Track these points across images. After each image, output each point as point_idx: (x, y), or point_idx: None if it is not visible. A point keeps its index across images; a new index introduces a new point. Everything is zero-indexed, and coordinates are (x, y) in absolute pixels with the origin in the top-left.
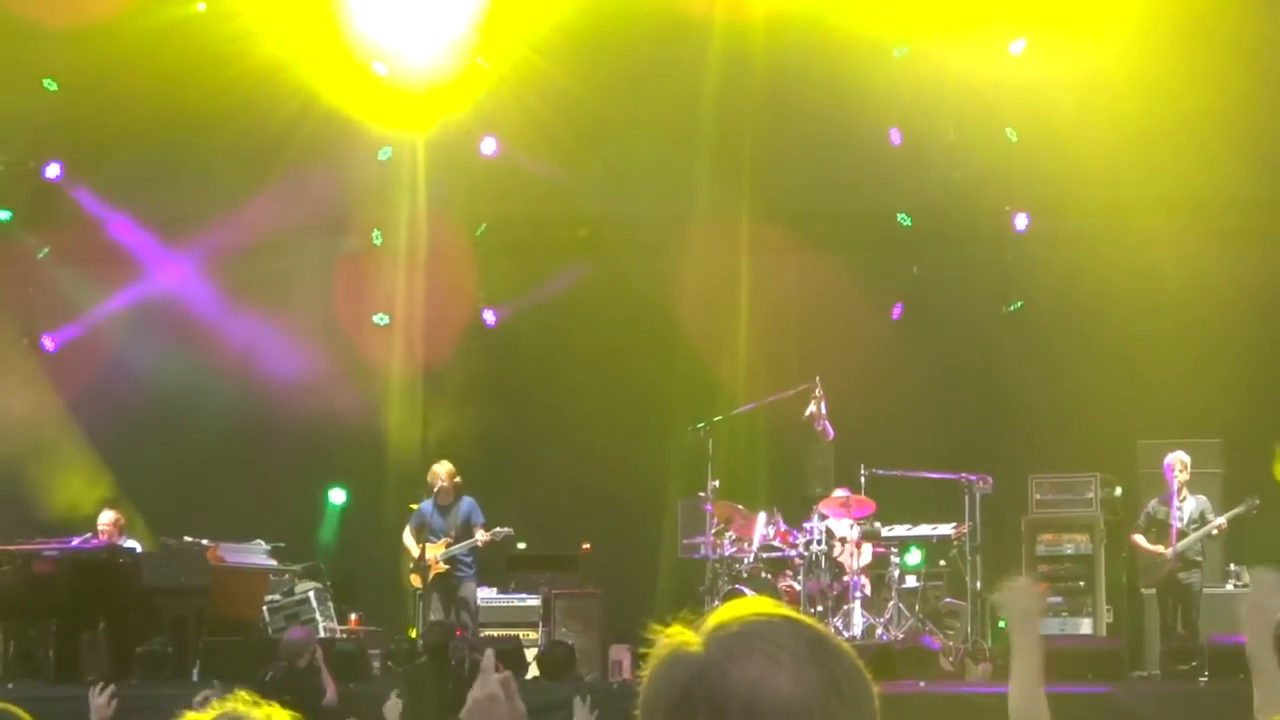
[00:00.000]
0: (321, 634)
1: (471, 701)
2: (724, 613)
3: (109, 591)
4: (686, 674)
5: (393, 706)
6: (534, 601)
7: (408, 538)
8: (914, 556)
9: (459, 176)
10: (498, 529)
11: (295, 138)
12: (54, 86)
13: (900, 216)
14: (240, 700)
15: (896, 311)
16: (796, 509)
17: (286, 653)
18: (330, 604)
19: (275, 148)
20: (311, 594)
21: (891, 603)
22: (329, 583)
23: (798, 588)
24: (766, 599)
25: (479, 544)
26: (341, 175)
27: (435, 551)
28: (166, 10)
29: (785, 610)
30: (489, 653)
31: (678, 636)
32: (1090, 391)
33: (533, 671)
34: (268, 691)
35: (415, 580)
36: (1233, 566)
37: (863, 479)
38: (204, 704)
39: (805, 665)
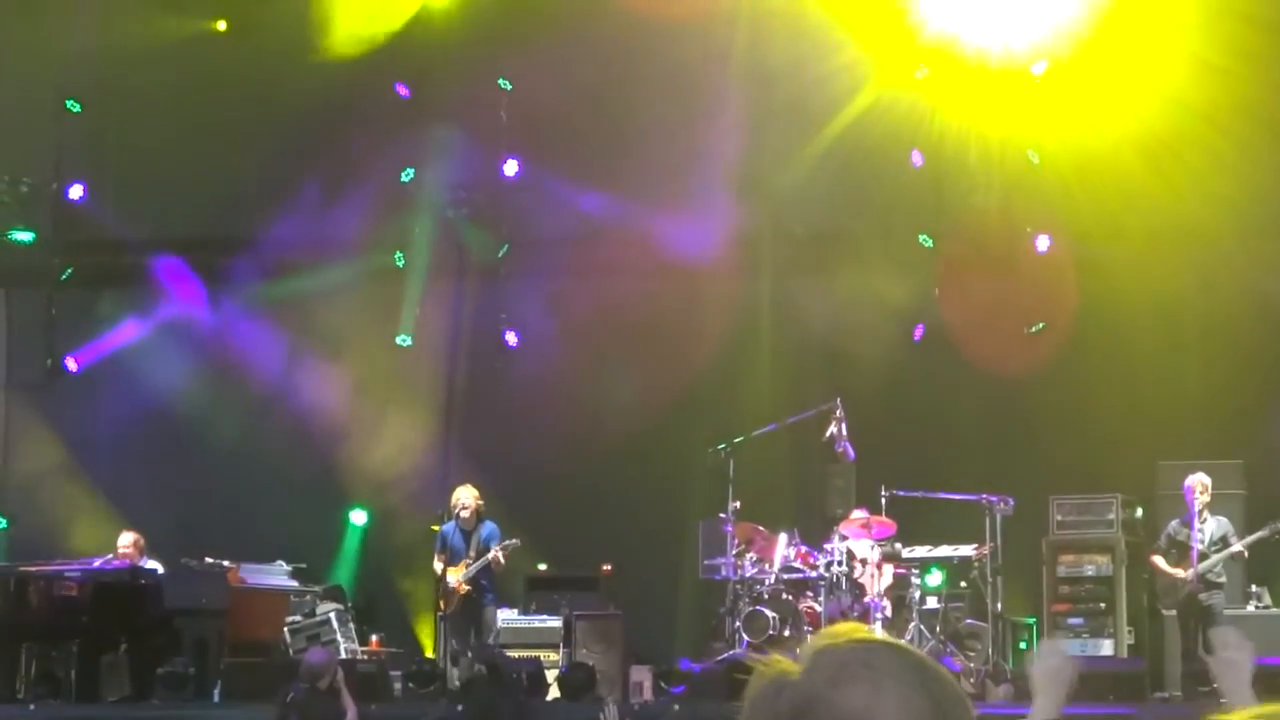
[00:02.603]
0: (343, 655)
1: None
2: (823, 639)
3: (130, 613)
4: (792, 704)
5: None
6: (555, 623)
7: (437, 563)
8: (935, 578)
9: (484, 197)
10: (505, 542)
11: (319, 159)
12: (77, 108)
13: (922, 238)
14: None
15: (918, 333)
16: (817, 530)
17: (307, 674)
18: (351, 625)
19: (298, 170)
20: (333, 615)
21: (912, 624)
22: (350, 604)
23: (818, 609)
24: (861, 625)
25: (491, 563)
26: (365, 197)
27: (457, 575)
28: (189, 31)
29: (884, 636)
30: None
31: (777, 665)
32: (1111, 413)
33: (554, 693)
34: (288, 712)
35: (441, 603)
36: (1254, 588)
37: (883, 500)
38: None
39: (911, 692)
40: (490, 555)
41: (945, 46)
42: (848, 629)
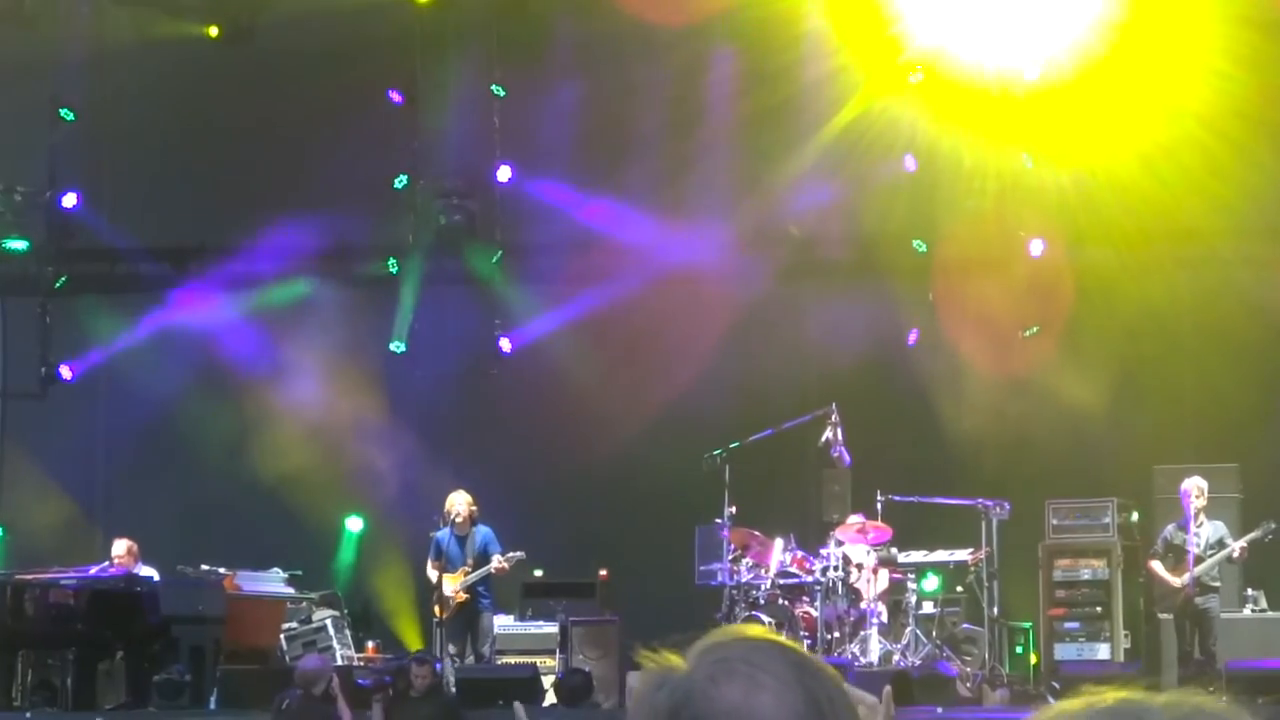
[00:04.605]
0: (338, 661)
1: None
2: (711, 638)
3: (127, 620)
4: (672, 698)
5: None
6: (551, 629)
7: (431, 570)
8: (931, 582)
9: (477, 203)
10: (511, 553)
11: (312, 165)
12: (71, 116)
13: (915, 242)
14: None
15: (912, 338)
16: (813, 535)
17: (302, 681)
18: (347, 632)
19: (292, 176)
20: (329, 622)
21: (909, 629)
22: (346, 610)
23: (814, 614)
24: (754, 625)
25: (494, 570)
26: (358, 203)
27: (455, 582)
28: (182, 38)
29: (768, 634)
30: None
31: (664, 661)
32: (1107, 417)
33: (550, 699)
34: (284, 719)
35: (437, 610)
36: (1250, 591)
37: (879, 505)
38: None
39: (788, 687)
40: (493, 566)
41: (939, 53)
42: (738, 628)
